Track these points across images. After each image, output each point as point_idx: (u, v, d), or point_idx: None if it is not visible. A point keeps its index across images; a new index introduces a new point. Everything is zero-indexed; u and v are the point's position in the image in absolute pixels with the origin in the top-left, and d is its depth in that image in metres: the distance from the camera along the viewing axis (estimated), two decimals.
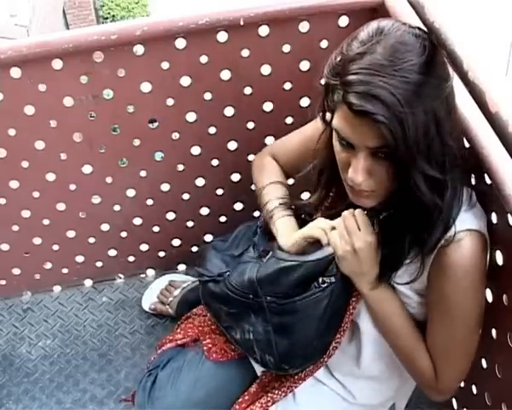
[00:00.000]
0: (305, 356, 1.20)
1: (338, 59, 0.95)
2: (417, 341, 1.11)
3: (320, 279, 1.12)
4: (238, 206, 1.72)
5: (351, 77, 0.91)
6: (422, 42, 0.93)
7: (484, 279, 1.03)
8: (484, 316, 1.07)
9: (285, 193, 1.30)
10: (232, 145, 1.58)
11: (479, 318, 1.05)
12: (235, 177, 1.65)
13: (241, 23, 1.33)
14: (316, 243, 1.14)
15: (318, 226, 1.13)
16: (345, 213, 1.08)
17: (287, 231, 1.21)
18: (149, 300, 1.78)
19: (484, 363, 1.20)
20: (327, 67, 0.97)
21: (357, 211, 1.06)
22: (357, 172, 0.97)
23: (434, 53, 0.94)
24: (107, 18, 10.28)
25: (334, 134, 1.02)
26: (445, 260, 1.00)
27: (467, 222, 1.00)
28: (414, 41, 0.92)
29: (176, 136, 1.54)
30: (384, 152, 0.94)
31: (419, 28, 0.97)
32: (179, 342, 1.41)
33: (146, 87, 1.42)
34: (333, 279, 1.12)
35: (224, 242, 1.36)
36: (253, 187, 1.61)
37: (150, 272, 1.87)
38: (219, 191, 1.68)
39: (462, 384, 1.32)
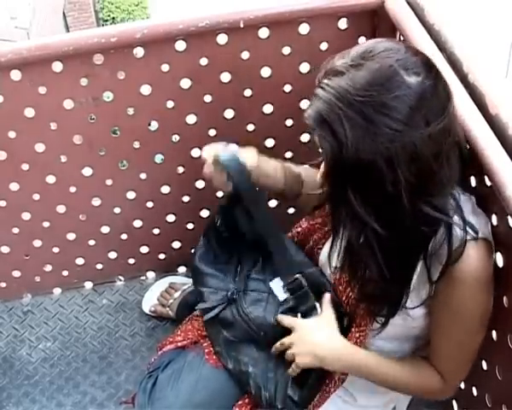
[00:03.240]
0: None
1: (329, 65, 0.95)
2: (416, 369, 1.13)
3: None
4: None
5: (319, 90, 0.92)
6: (405, 80, 0.87)
7: (491, 282, 1.03)
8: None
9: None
10: None
11: (486, 319, 1.06)
12: None
13: (241, 25, 1.34)
14: None
15: None
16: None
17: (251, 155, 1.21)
18: (149, 302, 1.77)
19: (484, 365, 1.20)
20: (322, 65, 0.97)
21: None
22: (319, 173, 1.04)
23: (415, 97, 0.87)
24: (107, 20, 10.26)
25: None
26: (452, 271, 0.99)
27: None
28: (393, 76, 0.87)
29: (176, 138, 1.54)
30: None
31: (423, 61, 0.91)
32: (179, 344, 1.41)
33: (146, 89, 1.42)
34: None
35: (207, 252, 1.36)
36: None
37: (150, 275, 1.86)
38: (219, 193, 1.68)
39: (463, 386, 1.31)
